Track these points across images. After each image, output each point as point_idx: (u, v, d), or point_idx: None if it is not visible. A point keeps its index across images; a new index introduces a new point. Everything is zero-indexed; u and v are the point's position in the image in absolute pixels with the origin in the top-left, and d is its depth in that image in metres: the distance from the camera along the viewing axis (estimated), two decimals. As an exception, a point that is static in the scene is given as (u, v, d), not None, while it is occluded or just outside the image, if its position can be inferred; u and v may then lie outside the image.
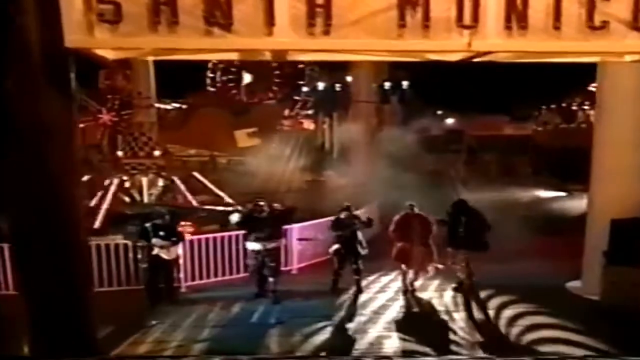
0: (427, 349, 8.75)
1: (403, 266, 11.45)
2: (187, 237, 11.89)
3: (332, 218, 11.83)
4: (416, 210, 11.38)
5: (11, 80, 5.63)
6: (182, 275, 11.80)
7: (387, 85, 24.18)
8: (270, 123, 30.13)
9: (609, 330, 8.93)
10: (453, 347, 8.86)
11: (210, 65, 36.49)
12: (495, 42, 5.79)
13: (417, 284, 11.63)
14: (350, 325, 9.77)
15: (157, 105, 22.05)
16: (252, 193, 14.88)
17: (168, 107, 30.33)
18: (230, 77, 37.15)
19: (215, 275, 12.35)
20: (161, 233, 10.55)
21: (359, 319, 10.10)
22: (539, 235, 15.03)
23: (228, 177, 23.00)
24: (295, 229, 13.08)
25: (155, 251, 10.50)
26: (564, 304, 10.61)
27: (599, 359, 7.95)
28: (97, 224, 14.05)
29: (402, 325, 9.77)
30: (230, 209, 15.47)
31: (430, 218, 11.40)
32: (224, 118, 30.20)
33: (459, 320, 10.00)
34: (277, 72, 35.03)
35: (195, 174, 19.23)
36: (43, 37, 5.51)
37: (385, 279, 12.30)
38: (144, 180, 16.68)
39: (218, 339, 9.19)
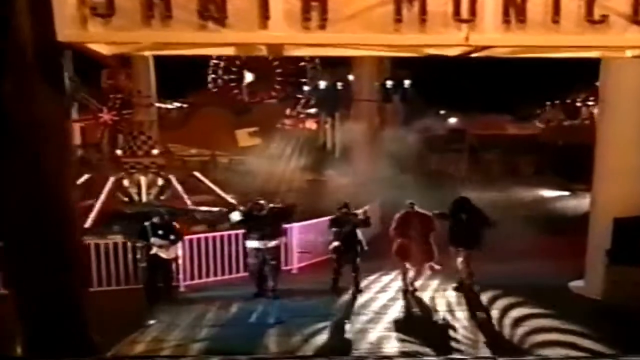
0: (428, 349, 8.68)
1: (403, 265, 11.36)
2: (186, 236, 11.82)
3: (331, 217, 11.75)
4: (416, 208, 11.30)
5: (2, 77, 5.57)
6: (181, 274, 11.71)
7: (389, 84, 24.11)
8: (271, 122, 30.06)
9: (611, 330, 8.84)
10: (454, 347, 8.79)
11: (211, 63, 36.62)
12: (493, 36, 5.72)
13: (418, 283, 11.54)
14: (350, 325, 9.69)
15: (158, 105, 22.04)
16: (253, 193, 14.82)
17: (169, 106, 30.33)
18: (232, 77, 37.26)
19: (215, 274, 12.28)
20: (160, 232, 10.49)
21: (359, 318, 10.02)
22: (541, 234, 14.94)
23: (229, 176, 22.97)
24: (295, 228, 13.04)
25: (154, 250, 10.44)
26: (566, 303, 10.51)
27: (601, 359, 7.89)
28: (88, 223, 13.93)
29: (403, 325, 9.69)
30: (217, 209, 15.50)
31: (430, 215, 11.32)
32: (225, 117, 30.15)
33: (459, 320, 9.92)
34: (279, 70, 35.08)
35: (196, 173, 19.15)
36: (35, 32, 5.45)
37: (385, 279, 12.22)
38: (143, 180, 16.62)
39: (217, 339, 9.12)
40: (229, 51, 6.45)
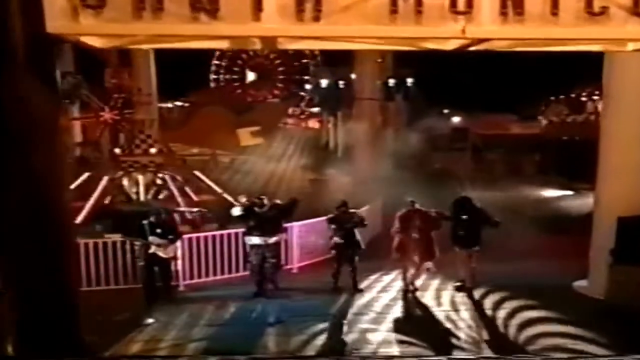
0: (429, 349, 8.55)
1: (403, 263, 11.26)
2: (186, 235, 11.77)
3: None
4: (417, 206, 11.19)
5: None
6: (180, 273, 11.63)
7: (391, 82, 24.02)
8: (273, 121, 29.99)
9: (615, 330, 8.76)
10: (455, 347, 8.70)
11: (213, 62, 36.75)
12: (490, 28, 5.62)
13: (418, 283, 11.44)
14: (350, 325, 9.60)
15: (159, 104, 22.00)
16: (254, 192, 14.74)
17: (170, 105, 30.30)
18: (234, 76, 37.40)
19: (214, 273, 12.21)
20: (158, 231, 10.39)
21: (358, 318, 9.93)
22: (545, 234, 14.85)
23: (229, 176, 22.92)
24: (295, 227, 12.97)
25: (152, 249, 10.35)
26: (569, 303, 10.40)
27: (605, 359, 7.86)
28: (78, 220, 13.83)
29: (403, 325, 9.60)
30: (196, 209, 15.44)
31: (431, 213, 11.21)
32: (226, 116, 30.09)
33: (461, 319, 9.83)
34: (281, 69, 35.22)
35: (197, 172, 19.10)
36: (25, 24, 5.38)
37: (387, 278, 12.14)
38: (141, 179, 16.58)
39: (217, 338, 9.06)
40: (223, 45, 6.38)
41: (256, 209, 10.97)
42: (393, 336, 9.13)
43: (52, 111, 6.04)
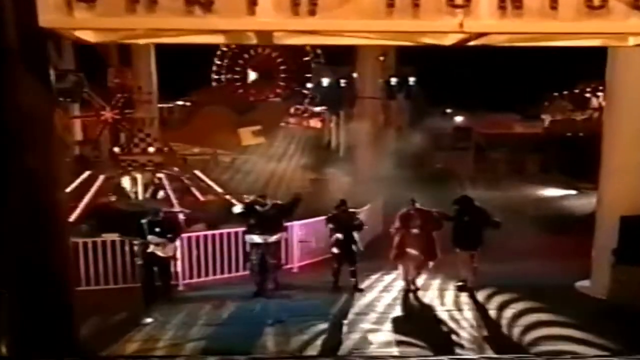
0: (430, 349, 8.49)
1: (404, 263, 11.18)
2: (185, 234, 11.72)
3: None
4: (418, 205, 11.11)
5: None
6: (179, 273, 11.58)
7: (393, 81, 23.93)
8: (275, 121, 29.94)
9: (617, 330, 8.67)
10: (457, 347, 8.63)
11: (215, 61, 36.81)
12: (488, 22, 5.54)
13: (420, 282, 11.36)
14: (349, 325, 9.53)
15: (160, 103, 21.98)
16: (255, 192, 14.70)
17: (171, 104, 30.31)
18: (236, 76, 37.46)
19: (214, 273, 12.15)
20: (157, 230, 10.34)
21: (358, 318, 9.86)
22: (547, 234, 14.76)
23: (231, 175, 22.89)
24: (296, 226, 12.91)
25: (151, 248, 10.29)
26: (572, 303, 10.32)
27: (607, 359, 7.80)
28: (72, 218, 13.78)
29: (404, 324, 9.52)
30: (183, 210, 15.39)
31: (432, 212, 11.12)
32: (228, 116, 30.07)
33: (462, 319, 9.76)
34: (283, 67, 35.25)
35: (197, 172, 19.07)
36: (17, 18, 5.31)
37: (387, 278, 12.06)
38: (139, 178, 16.56)
39: (216, 338, 9.00)
40: (218, 39, 6.30)
41: (258, 207, 10.94)
42: (394, 336, 9.05)
43: (46, 108, 5.97)
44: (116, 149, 17.91)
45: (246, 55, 38.81)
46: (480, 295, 10.77)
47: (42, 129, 6.00)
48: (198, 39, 6.17)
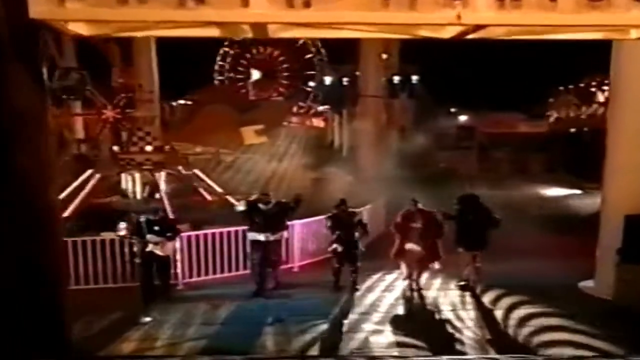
0: (431, 349, 8.42)
1: (405, 264, 11.06)
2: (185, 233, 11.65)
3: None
4: (420, 205, 10.98)
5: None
6: (179, 272, 11.50)
7: (396, 79, 23.86)
8: (278, 120, 29.91)
9: (622, 331, 8.60)
10: (459, 347, 8.56)
11: (218, 62, 36.86)
12: (486, 15, 5.43)
13: (422, 282, 11.24)
14: (350, 324, 9.47)
15: (163, 102, 21.98)
16: (255, 191, 14.67)
17: (174, 103, 30.32)
18: (239, 76, 37.51)
19: (214, 272, 12.09)
20: (155, 228, 10.25)
21: (359, 317, 9.79)
22: (551, 233, 14.65)
23: (232, 174, 22.87)
24: (297, 225, 12.84)
25: (150, 247, 10.21)
26: (575, 303, 10.21)
27: (610, 359, 7.76)
28: (64, 215, 13.71)
29: (405, 324, 9.45)
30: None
31: (435, 213, 11.01)
32: (230, 115, 30.04)
33: (465, 319, 9.67)
34: (286, 65, 35.25)
35: (197, 171, 19.03)
36: (6, 9, 5.22)
37: (389, 278, 11.97)
38: (137, 177, 16.53)
39: (216, 337, 8.95)
40: (212, 32, 6.20)
41: (261, 205, 10.93)
42: (395, 335, 8.97)
43: (38, 104, 5.88)
44: (115, 148, 17.88)
45: (248, 55, 38.92)
46: (483, 295, 10.68)
47: (35, 126, 5.91)
48: (192, 32, 6.09)
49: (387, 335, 8.99)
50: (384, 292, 11.15)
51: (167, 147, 18.72)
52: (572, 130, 31.18)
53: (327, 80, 27.80)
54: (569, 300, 10.34)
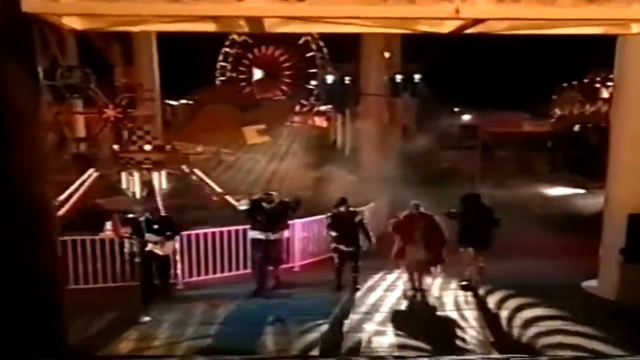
0: (433, 348, 8.39)
1: (404, 267, 10.99)
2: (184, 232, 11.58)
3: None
4: (422, 209, 10.82)
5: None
6: (179, 271, 11.45)
7: (398, 78, 23.76)
8: (280, 119, 29.85)
9: (625, 331, 8.56)
10: (462, 347, 8.54)
11: (220, 63, 36.90)
12: (485, 8, 5.35)
13: (424, 283, 11.14)
14: (351, 324, 9.43)
15: (166, 102, 21.97)
16: (258, 191, 14.61)
17: (175, 103, 30.32)
18: (241, 76, 37.57)
19: (214, 271, 12.02)
20: (155, 227, 10.20)
21: (360, 317, 9.75)
22: (554, 233, 14.54)
23: (234, 174, 22.83)
24: (298, 225, 12.78)
25: (149, 247, 10.15)
26: (578, 304, 10.13)
27: (614, 359, 7.74)
28: (59, 214, 13.65)
29: (407, 324, 9.38)
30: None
31: (436, 218, 10.83)
32: (232, 114, 30.01)
33: (468, 319, 9.63)
34: (288, 64, 35.25)
35: (196, 170, 19.01)
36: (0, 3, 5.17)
37: (391, 277, 11.93)
38: (136, 176, 16.51)
39: (215, 337, 8.93)
40: (208, 27, 6.13)
41: (264, 204, 10.95)
42: (395, 335, 8.93)
43: (31, 100, 5.82)
44: (115, 147, 17.88)
45: (250, 55, 39.03)
46: (484, 295, 10.62)
47: (28, 122, 5.85)
48: (188, 27, 6.02)
49: (388, 335, 8.95)
50: (385, 292, 11.10)
51: (167, 147, 18.68)
52: (576, 129, 31.03)
53: (329, 78, 27.68)
54: (572, 300, 10.23)
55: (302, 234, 13.05)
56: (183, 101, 33.80)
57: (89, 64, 20.13)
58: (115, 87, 21.81)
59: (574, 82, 33.94)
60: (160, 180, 16.93)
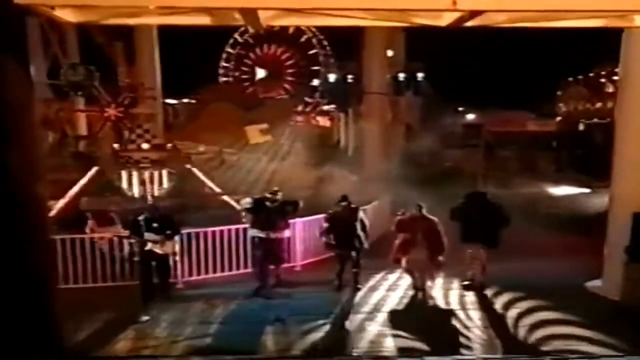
0: (435, 348, 8.31)
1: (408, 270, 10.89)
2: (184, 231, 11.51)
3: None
4: (424, 212, 10.66)
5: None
6: (179, 270, 11.38)
7: (401, 77, 23.68)
8: (283, 118, 29.81)
9: (630, 330, 8.50)
10: (463, 346, 8.48)
11: (222, 64, 36.98)
12: (483, 0, 5.21)
13: (428, 284, 11.03)
14: (351, 324, 9.38)
15: (168, 101, 21.96)
16: (258, 191, 14.58)
17: (177, 102, 30.34)
18: (244, 76, 37.65)
19: (214, 271, 11.96)
20: (154, 226, 10.11)
21: (360, 317, 9.68)
22: (558, 232, 14.46)
23: (235, 174, 22.80)
24: (299, 224, 12.69)
25: (149, 246, 10.07)
26: (582, 303, 10.05)
27: (617, 359, 7.71)
28: (52, 213, 13.59)
29: (408, 324, 9.29)
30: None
31: (438, 224, 10.62)
32: (235, 113, 29.99)
33: (470, 319, 9.56)
34: (291, 62, 35.28)
35: (194, 169, 18.97)
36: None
37: (393, 276, 11.82)
38: (135, 175, 16.48)
39: (215, 336, 8.89)
40: (203, 20, 6.04)
41: (267, 203, 10.96)
42: (397, 335, 8.85)
43: (23, 96, 5.73)
44: (116, 145, 17.87)
45: (252, 55, 39.13)
46: (488, 294, 10.56)
47: (21, 119, 5.77)
48: (182, 20, 5.92)
49: (390, 335, 8.87)
50: (387, 292, 11.02)
51: (168, 146, 18.64)
52: (581, 128, 30.91)
53: (332, 77, 27.66)
54: (576, 300, 10.14)
55: (304, 234, 12.94)
56: (185, 100, 33.92)
57: (90, 63, 20.12)
58: (117, 85, 21.82)
59: (579, 77, 33.75)
60: (160, 179, 16.89)
